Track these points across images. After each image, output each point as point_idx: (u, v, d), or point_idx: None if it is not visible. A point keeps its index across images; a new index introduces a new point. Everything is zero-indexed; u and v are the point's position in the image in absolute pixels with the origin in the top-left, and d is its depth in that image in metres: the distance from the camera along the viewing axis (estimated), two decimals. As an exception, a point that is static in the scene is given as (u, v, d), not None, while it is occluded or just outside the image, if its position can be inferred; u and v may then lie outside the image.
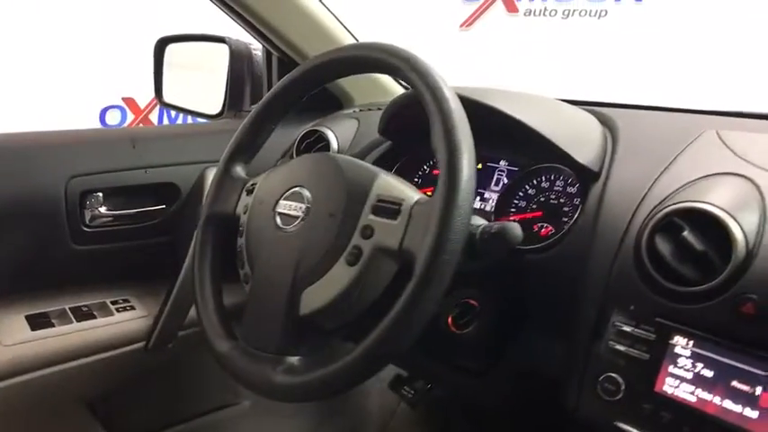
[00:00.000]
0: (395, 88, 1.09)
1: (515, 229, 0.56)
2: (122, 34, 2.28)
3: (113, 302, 0.86)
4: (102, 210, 0.83)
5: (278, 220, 0.61)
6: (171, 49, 1.15)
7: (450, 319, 0.68)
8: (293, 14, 0.87)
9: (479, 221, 0.60)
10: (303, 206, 0.60)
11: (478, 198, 0.87)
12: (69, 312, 0.82)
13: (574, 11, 1.87)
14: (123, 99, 2.45)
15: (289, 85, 0.68)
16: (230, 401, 1.05)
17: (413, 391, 1.18)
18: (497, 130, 0.73)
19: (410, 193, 0.56)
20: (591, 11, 1.84)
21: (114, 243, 0.85)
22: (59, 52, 2.27)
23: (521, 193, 0.82)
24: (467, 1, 2.10)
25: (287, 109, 0.73)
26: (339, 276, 0.55)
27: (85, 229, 0.82)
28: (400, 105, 0.81)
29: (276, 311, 0.58)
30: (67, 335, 0.80)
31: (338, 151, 0.93)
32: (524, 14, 1.94)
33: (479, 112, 0.73)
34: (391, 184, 0.57)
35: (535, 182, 0.81)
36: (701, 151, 0.65)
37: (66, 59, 2.27)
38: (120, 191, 0.84)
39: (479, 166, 0.88)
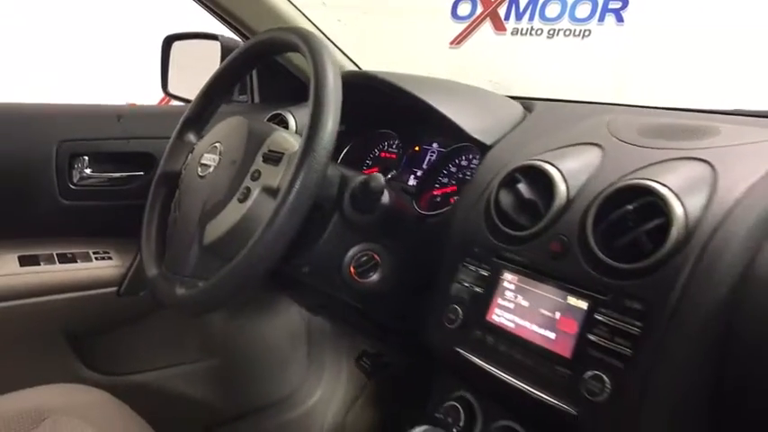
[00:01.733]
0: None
1: (377, 178, 0.66)
2: (128, 34, 2.51)
3: (94, 252, 1.01)
4: (88, 171, 0.98)
5: (199, 169, 0.74)
6: (176, 46, 1.31)
7: (352, 269, 0.78)
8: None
9: (360, 177, 0.70)
10: (217, 157, 0.72)
11: (412, 176, 0.97)
12: (55, 257, 0.97)
13: (558, 30, 1.95)
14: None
15: (227, 67, 0.82)
16: (201, 357, 1.18)
17: (368, 363, 1.27)
18: (419, 114, 0.83)
19: (293, 145, 0.67)
20: (575, 30, 1.92)
21: (97, 201, 0.99)
22: (69, 53, 2.52)
23: (445, 171, 0.91)
24: (457, 20, 2.21)
25: (230, 87, 0.86)
26: (233, 212, 0.67)
27: (72, 186, 0.97)
28: (351, 86, 0.92)
29: (187, 242, 0.70)
30: (51, 273, 0.95)
31: (296, 132, 1.05)
32: (511, 33, 2.04)
33: (393, 93, 0.84)
34: (281, 138, 0.69)
35: (457, 161, 0.90)
36: (576, 128, 0.73)
37: (77, 63, 2.51)
38: (104, 156, 0.99)
39: (417, 148, 0.99)
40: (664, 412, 0.48)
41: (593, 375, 0.51)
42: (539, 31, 1.99)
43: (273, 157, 0.67)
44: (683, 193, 0.52)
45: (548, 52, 1.96)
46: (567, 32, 1.93)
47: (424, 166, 0.96)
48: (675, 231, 0.50)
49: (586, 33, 1.90)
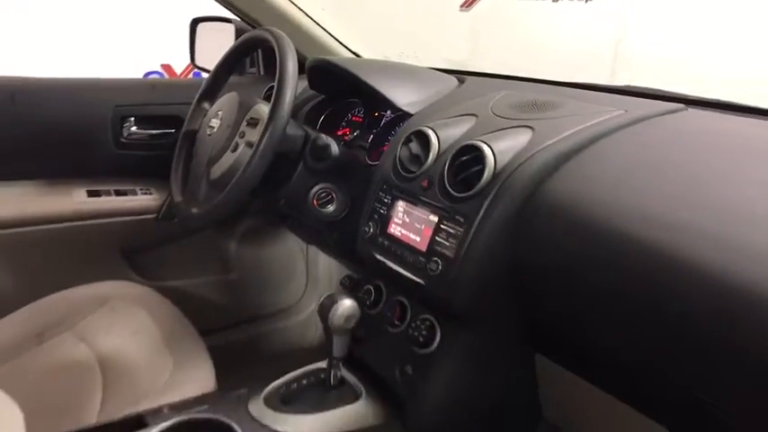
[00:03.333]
0: (335, 50, 1.50)
1: (323, 138, 0.98)
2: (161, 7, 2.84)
3: (140, 189, 1.38)
4: (134, 129, 1.34)
5: (207, 130, 1.07)
6: (200, 27, 1.63)
7: (315, 201, 1.11)
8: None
9: (315, 135, 1.02)
10: (218, 121, 1.05)
11: (371, 136, 1.27)
12: (112, 191, 1.35)
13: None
14: (162, 65, 3.06)
15: (229, 54, 1.13)
16: (221, 272, 1.55)
17: (348, 283, 1.60)
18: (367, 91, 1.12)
19: (267, 114, 0.99)
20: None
21: (140, 151, 1.35)
22: (106, 22, 2.86)
23: (393, 133, 1.21)
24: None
25: (232, 69, 1.18)
26: (227, 159, 1.00)
27: (123, 140, 1.33)
28: (315, 69, 1.22)
29: (199, 179, 1.04)
30: (109, 203, 1.32)
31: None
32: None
33: (345, 75, 1.13)
34: (260, 109, 1.01)
35: (400, 125, 1.20)
36: (472, 101, 1.02)
37: (112, 29, 2.85)
38: (145, 118, 1.34)
39: (376, 114, 1.28)
40: (473, 278, 0.79)
41: (434, 260, 0.82)
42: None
43: (253, 122, 0.99)
44: (498, 148, 0.81)
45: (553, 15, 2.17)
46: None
47: (376, 129, 1.26)
48: (486, 173, 0.80)
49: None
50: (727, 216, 0.62)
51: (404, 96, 1.11)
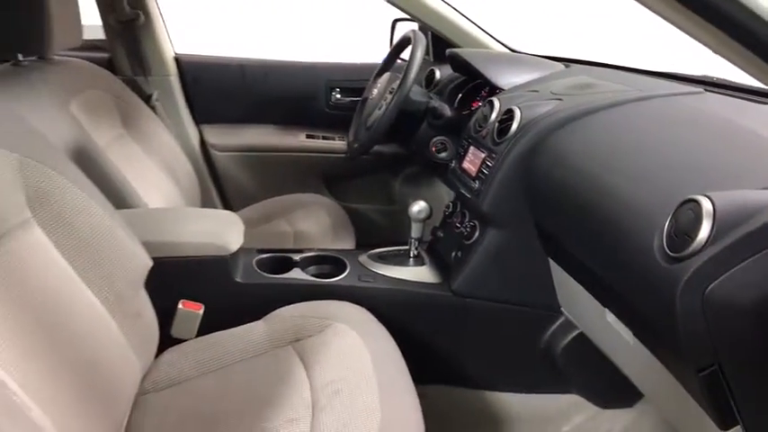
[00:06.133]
0: (488, 45, 1.96)
1: (441, 104, 1.49)
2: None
3: (338, 136, 2.05)
4: (338, 96, 2.01)
5: (371, 95, 1.66)
6: (399, 25, 2.23)
7: (434, 149, 1.62)
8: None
9: (438, 104, 1.54)
10: (376, 90, 1.63)
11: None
12: (320, 136, 2.05)
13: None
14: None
15: (395, 47, 1.71)
16: (387, 202, 2.16)
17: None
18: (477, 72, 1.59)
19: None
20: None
21: (341, 111, 2.02)
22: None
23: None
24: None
25: (396, 55, 1.74)
26: (376, 114, 1.57)
27: (330, 103, 2.02)
28: (450, 57, 1.72)
29: (362, 126, 1.64)
30: (319, 143, 2.04)
31: (438, 82, 1.87)
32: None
33: (464, 63, 1.61)
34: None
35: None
36: (554, 84, 1.43)
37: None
38: (345, 89, 2.01)
39: (487, 89, 1.72)
40: (495, 193, 1.22)
41: (477, 181, 1.28)
42: None
43: (393, 91, 1.54)
44: (526, 112, 1.23)
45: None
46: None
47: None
48: (514, 126, 1.22)
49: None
50: (631, 173, 0.93)
51: (502, 77, 1.55)
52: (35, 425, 0.65)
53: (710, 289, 0.66)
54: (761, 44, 0.71)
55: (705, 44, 0.77)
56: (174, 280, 1.17)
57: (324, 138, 2.06)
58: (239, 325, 1.17)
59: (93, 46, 1.91)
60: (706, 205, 0.68)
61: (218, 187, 2.09)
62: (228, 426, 0.94)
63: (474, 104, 1.75)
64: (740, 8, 0.68)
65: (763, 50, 0.71)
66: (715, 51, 0.77)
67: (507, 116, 1.26)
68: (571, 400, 1.39)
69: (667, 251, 0.72)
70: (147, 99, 1.87)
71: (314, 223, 1.73)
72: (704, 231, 0.67)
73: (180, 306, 1.19)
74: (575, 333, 1.30)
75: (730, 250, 0.65)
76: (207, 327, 1.19)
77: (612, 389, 1.33)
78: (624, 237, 0.84)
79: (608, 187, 0.93)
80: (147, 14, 1.89)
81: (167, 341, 1.14)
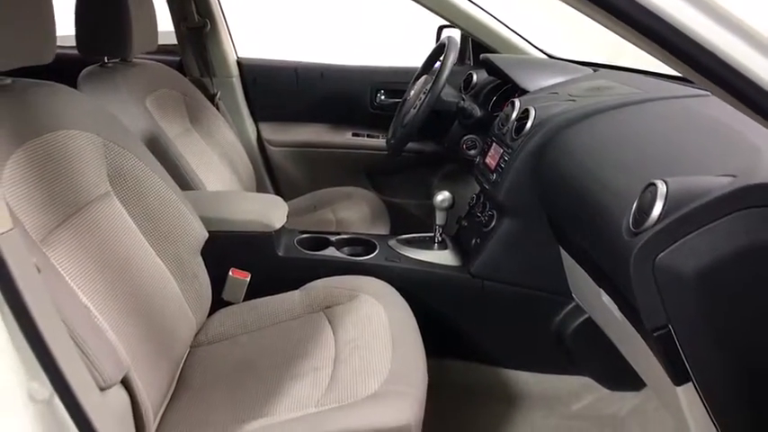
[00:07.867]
0: (526, 50, 2.07)
1: (475, 109, 1.63)
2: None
3: (382, 135, 2.21)
4: (382, 98, 2.18)
5: (408, 96, 1.81)
6: (444, 31, 2.38)
7: (464, 146, 1.76)
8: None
9: (469, 104, 1.68)
10: (414, 91, 1.78)
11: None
12: (365, 134, 2.21)
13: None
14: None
15: (433, 52, 1.85)
16: (426, 197, 2.30)
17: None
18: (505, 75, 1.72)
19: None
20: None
21: (385, 111, 2.17)
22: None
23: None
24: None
25: (434, 60, 1.89)
26: (411, 113, 1.72)
27: (375, 104, 2.19)
28: (483, 62, 1.85)
29: (399, 124, 1.80)
30: (364, 140, 2.20)
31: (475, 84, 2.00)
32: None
33: (495, 67, 1.74)
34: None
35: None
36: (572, 87, 1.54)
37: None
38: (389, 91, 2.17)
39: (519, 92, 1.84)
40: (509, 184, 1.35)
41: (495, 173, 1.41)
42: None
43: (426, 92, 1.69)
44: (540, 112, 1.35)
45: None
46: None
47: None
48: (528, 124, 1.35)
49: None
50: (619, 164, 1.05)
51: (530, 80, 1.66)
52: (110, 344, 0.84)
53: (659, 258, 0.78)
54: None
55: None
56: (226, 251, 1.37)
57: (368, 136, 2.23)
58: (280, 293, 1.35)
59: (166, 50, 2.14)
60: (661, 188, 0.79)
61: (272, 179, 2.30)
62: (265, 372, 1.12)
63: (504, 106, 1.88)
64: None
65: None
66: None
67: (524, 115, 1.39)
68: (582, 381, 1.49)
69: (631, 228, 0.84)
70: (211, 98, 2.09)
71: (354, 212, 1.90)
72: (657, 209, 0.79)
73: (230, 273, 1.39)
74: (584, 317, 1.41)
75: (676, 225, 0.76)
76: (252, 293, 1.38)
77: (620, 372, 1.42)
78: (607, 218, 0.95)
79: (599, 177, 1.05)
80: (214, 22, 2.12)
81: (219, 304, 1.34)
